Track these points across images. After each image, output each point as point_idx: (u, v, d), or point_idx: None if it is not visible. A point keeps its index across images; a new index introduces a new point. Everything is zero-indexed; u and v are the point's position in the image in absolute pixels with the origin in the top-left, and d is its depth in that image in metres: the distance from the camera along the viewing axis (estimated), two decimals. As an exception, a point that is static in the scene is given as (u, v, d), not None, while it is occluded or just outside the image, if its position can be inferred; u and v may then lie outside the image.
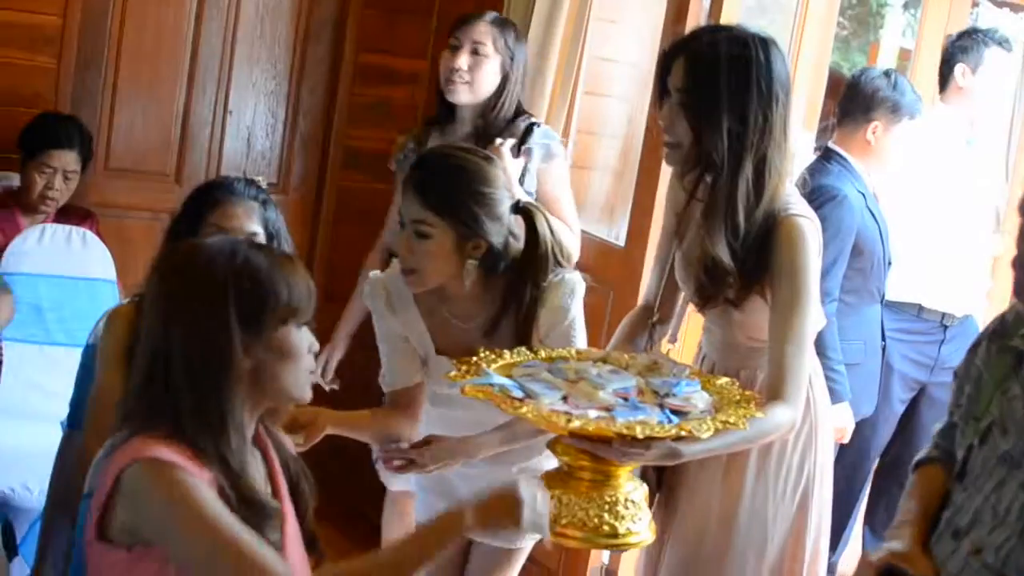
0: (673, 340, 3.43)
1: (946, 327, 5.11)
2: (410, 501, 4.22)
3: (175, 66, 5.29)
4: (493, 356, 2.93)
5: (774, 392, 2.93)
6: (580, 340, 3.29)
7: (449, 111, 4.32)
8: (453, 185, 3.19)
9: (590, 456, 2.69)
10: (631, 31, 4.82)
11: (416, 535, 2.57)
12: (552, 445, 2.77)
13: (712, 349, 3.25)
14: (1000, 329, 2.67)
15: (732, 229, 2.99)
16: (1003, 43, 5.26)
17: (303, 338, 2.41)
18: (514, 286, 3.26)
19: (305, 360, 2.42)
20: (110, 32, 5.15)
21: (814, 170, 4.73)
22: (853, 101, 4.74)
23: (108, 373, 3.08)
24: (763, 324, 3.04)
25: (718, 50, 2.97)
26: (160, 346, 2.35)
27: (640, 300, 3.42)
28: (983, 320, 5.65)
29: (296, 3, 5.44)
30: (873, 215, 4.68)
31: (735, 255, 2.99)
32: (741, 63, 2.97)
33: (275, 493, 2.46)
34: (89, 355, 3.27)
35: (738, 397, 2.85)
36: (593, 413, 2.64)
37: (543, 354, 3.01)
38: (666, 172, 4.51)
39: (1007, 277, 3.48)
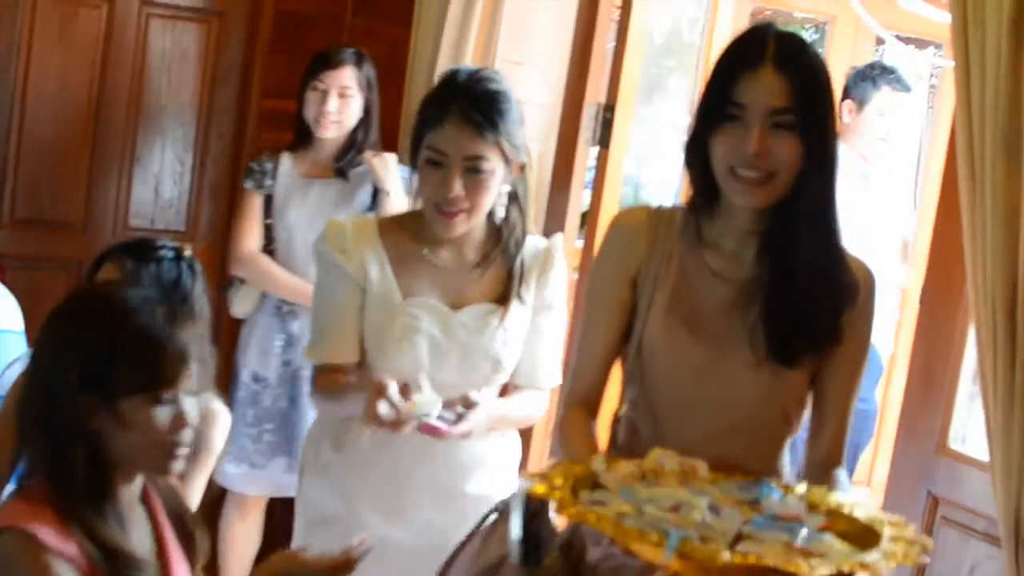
0: None
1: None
2: (254, 501, 4.66)
3: (80, 114, 5.24)
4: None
5: (835, 458, 2.64)
6: (563, 305, 3.21)
7: (307, 138, 4.69)
8: (503, 112, 3.01)
9: None
10: (537, 73, 4.83)
11: None
12: None
13: (695, 437, 2.55)
14: None
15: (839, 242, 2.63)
16: (896, 83, 5.33)
17: (154, 414, 2.31)
18: (508, 218, 3.13)
19: (155, 437, 2.32)
20: (15, 79, 5.09)
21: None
22: None
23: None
24: (803, 388, 2.64)
25: (809, 52, 2.56)
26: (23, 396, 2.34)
27: (570, 396, 2.76)
28: (889, 351, 5.72)
29: (202, 49, 5.40)
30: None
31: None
32: (823, 60, 2.60)
33: (161, 549, 2.43)
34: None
35: (812, 491, 2.40)
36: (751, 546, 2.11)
37: (576, 469, 2.33)
38: (575, 211, 4.54)
39: (914, 309, 3.55)
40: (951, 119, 2.95)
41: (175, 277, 3.13)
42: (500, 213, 3.12)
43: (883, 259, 5.26)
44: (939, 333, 3.41)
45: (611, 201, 4.52)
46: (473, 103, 2.98)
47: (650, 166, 6.20)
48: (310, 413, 4.55)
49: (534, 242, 3.21)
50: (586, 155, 4.55)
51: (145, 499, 2.46)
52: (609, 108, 4.42)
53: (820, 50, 5.46)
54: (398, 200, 4.57)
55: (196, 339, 2.80)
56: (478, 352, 3.10)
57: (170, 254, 3.16)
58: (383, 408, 2.82)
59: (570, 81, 4.50)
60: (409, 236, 3.13)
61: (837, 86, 5.88)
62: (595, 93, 4.47)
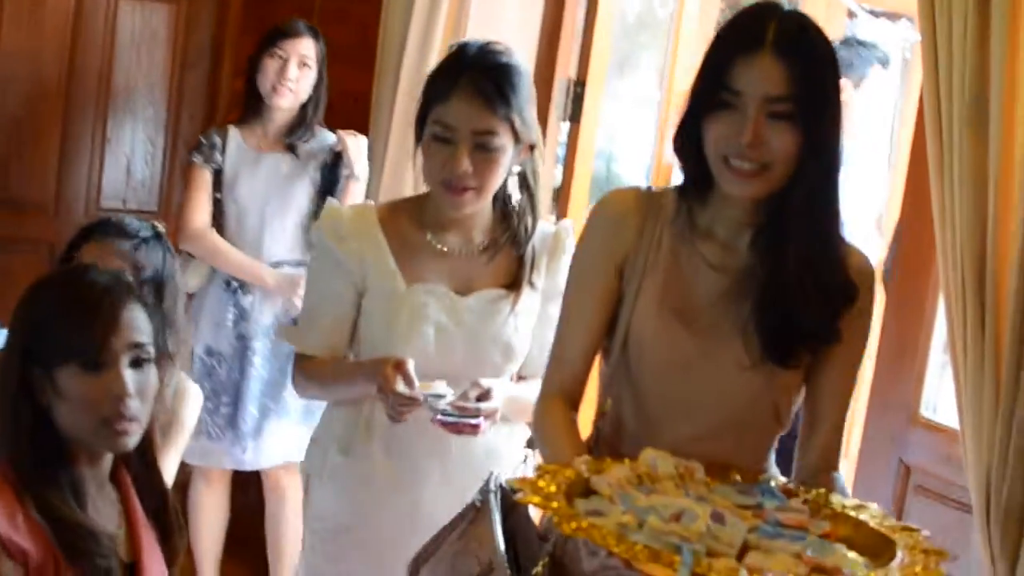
0: None
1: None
2: (219, 474, 4.66)
3: (51, 95, 5.22)
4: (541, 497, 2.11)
5: (830, 462, 2.48)
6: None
7: (258, 110, 4.68)
8: (515, 86, 2.83)
9: None
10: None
11: None
12: None
13: (685, 434, 2.42)
14: None
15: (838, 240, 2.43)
16: (884, 62, 5.37)
17: (88, 384, 2.31)
18: (519, 202, 2.97)
19: (92, 407, 2.32)
20: (-16, 63, 5.08)
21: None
22: None
23: None
24: (797, 385, 2.48)
25: (813, 35, 2.34)
26: None
27: (550, 388, 2.58)
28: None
29: (172, 30, 5.39)
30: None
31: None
32: (830, 43, 2.38)
33: (132, 534, 2.42)
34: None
35: (811, 494, 2.30)
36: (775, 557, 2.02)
37: (566, 474, 2.19)
38: (547, 187, 4.54)
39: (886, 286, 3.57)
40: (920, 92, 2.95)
41: (160, 255, 3.16)
42: (511, 196, 2.97)
43: (858, 232, 5.27)
44: (910, 304, 3.42)
45: (583, 176, 4.52)
46: (484, 75, 2.81)
47: (622, 141, 6.19)
48: (256, 386, 4.59)
49: (542, 226, 3.06)
50: (557, 130, 4.54)
51: (120, 484, 2.46)
52: (580, 83, 4.42)
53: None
54: (363, 186, 4.57)
55: (162, 314, 2.84)
56: (487, 339, 2.95)
57: (148, 232, 3.18)
58: (400, 385, 2.74)
59: (540, 56, 4.49)
60: (411, 222, 2.98)
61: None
62: (565, 68, 4.46)
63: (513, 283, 2.98)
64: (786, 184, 2.34)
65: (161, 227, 3.28)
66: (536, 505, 2.06)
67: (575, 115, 4.44)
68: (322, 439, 3.12)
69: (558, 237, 3.04)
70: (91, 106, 5.30)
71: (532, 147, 2.93)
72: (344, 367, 3.02)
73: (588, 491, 2.16)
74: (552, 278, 3.00)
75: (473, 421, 2.79)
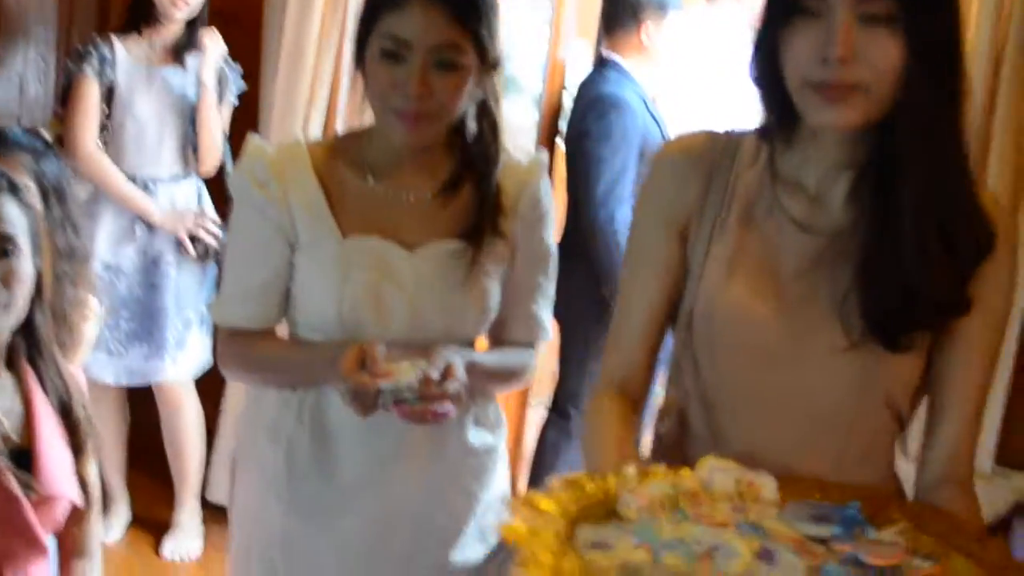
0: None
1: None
2: (113, 391, 4.66)
3: (-62, 16, 5.14)
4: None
5: (958, 470, 1.97)
6: (552, 238, 2.61)
7: (146, 20, 4.56)
8: None
9: None
10: None
11: None
12: None
13: (768, 441, 1.98)
14: None
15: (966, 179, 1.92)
16: None
17: None
18: (478, 132, 2.51)
19: None
20: None
21: (592, 80, 4.79)
22: (619, 6, 4.79)
23: None
24: (917, 369, 1.98)
25: None
26: None
27: (603, 379, 2.11)
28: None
29: (61, -55, 5.31)
30: (655, 119, 4.73)
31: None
32: None
33: (29, 419, 2.48)
34: None
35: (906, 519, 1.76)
36: None
37: (589, 489, 1.70)
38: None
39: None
40: None
41: (56, 164, 3.20)
42: (468, 128, 2.52)
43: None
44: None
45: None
46: None
47: (517, 41, 6.15)
48: (171, 298, 4.57)
49: (510, 161, 2.59)
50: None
51: (19, 374, 2.52)
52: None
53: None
54: (213, 96, 4.57)
55: (67, 222, 3.03)
56: (440, 301, 2.49)
57: (40, 143, 3.23)
58: (361, 375, 2.30)
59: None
60: (351, 163, 2.52)
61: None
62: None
63: (474, 230, 2.51)
64: (892, 111, 1.86)
65: (48, 135, 3.30)
66: (507, 535, 1.56)
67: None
68: (251, 420, 2.71)
69: (530, 171, 2.59)
70: (-20, 25, 5.22)
71: (495, 67, 2.47)
72: (295, 349, 2.58)
73: (615, 514, 1.71)
74: (524, 221, 2.58)
75: (440, 409, 2.33)
